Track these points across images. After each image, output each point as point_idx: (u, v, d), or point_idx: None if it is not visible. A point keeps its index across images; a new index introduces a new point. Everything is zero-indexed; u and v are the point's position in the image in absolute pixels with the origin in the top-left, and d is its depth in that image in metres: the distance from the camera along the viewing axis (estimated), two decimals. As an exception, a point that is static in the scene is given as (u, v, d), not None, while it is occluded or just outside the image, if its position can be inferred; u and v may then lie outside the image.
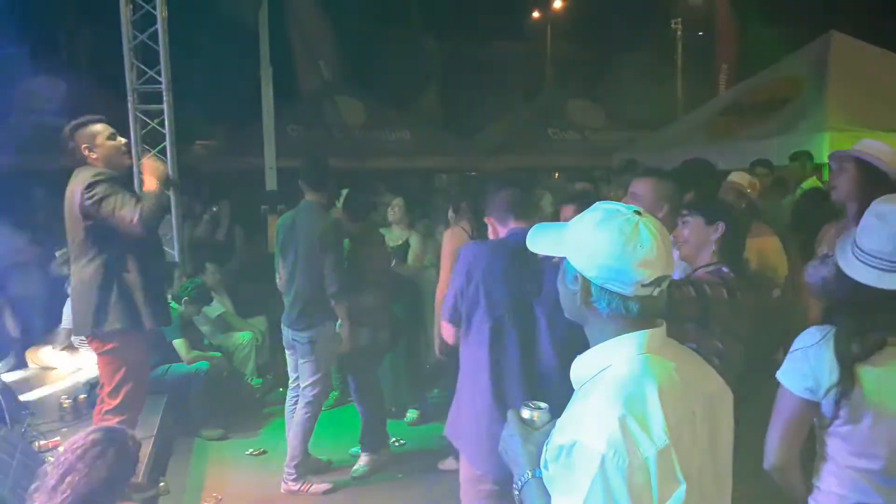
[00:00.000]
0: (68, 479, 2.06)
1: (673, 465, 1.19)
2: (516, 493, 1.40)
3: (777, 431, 1.86)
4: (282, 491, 4.15)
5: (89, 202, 3.21)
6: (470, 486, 2.37)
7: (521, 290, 2.36)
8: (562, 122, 12.40)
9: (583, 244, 1.32)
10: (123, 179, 3.45)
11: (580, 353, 2.18)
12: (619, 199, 3.81)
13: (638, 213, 1.31)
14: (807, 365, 1.77)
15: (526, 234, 2.27)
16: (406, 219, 5.63)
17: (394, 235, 5.51)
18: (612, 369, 1.30)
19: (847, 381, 1.71)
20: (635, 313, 1.30)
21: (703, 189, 3.35)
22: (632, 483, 1.17)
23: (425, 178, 10.42)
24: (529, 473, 1.37)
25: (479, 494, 2.33)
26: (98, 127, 3.40)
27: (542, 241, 1.43)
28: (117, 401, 3.36)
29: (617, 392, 1.24)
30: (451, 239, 4.26)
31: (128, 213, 3.19)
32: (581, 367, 1.37)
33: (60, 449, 3.81)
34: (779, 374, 1.84)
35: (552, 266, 2.38)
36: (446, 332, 2.58)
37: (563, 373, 2.29)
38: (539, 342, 2.35)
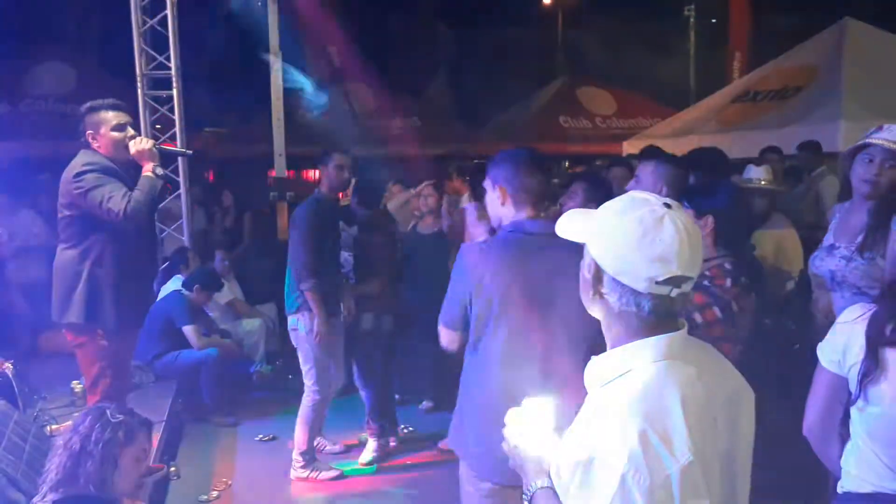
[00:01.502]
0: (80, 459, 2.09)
1: (697, 480, 1.13)
2: (526, 502, 1.36)
3: (812, 400, 1.91)
4: (290, 478, 4.18)
5: (76, 192, 3.09)
6: (470, 485, 2.28)
7: (536, 296, 2.18)
8: (573, 110, 12.32)
9: (602, 230, 1.25)
10: (123, 169, 3.23)
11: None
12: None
13: (668, 205, 1.22)
14: (839, 339, 1.82)
15: (536, 229, 2.24)
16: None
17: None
18: (630, 377, 1.22)
19: (871, 361, 1.73)
20: (647, 312, 1.22)
21: (704, 179, 3.31)
22: (653, 501, 1.10)
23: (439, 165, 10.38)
24: (539, 482, 1.33)
25: (481, 493, 2.25)
26: (108, 115, 3.22)
27: (569, 225, 1.35)
28: (97, 396, 3.23)
29: (637, 404, 1.17)
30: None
31: (114, 206, 3.04)
32: (596, 371, 1.29)
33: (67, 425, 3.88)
34: (818, 346, 1.89)
35: (569, 267, 2.30)
36: (446, 337, 2.34)
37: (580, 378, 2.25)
38: (556, 350, 2.19)
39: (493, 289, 2.17)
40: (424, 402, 5.30)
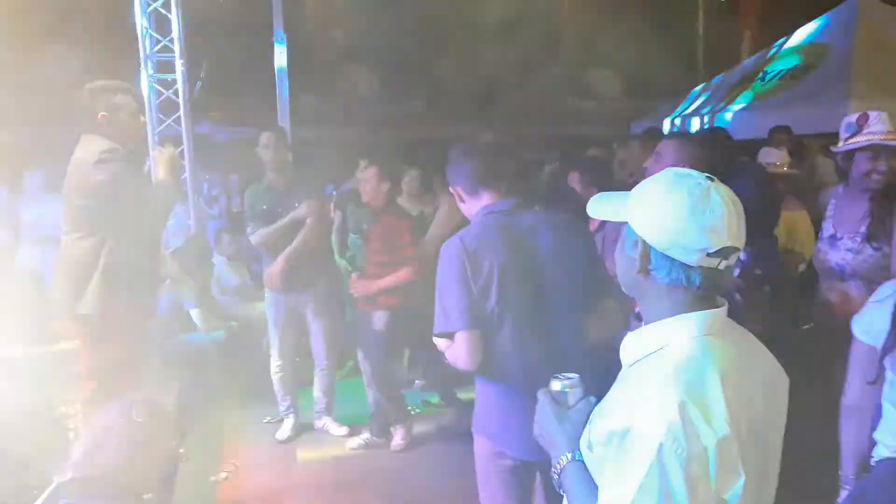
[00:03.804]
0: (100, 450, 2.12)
1: (733, 456, 1.13)
2: (555, 476, 1.37)
3: (852, 374, 2.04)
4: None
5: (100, 181, 3.00)
6: (489, 462, 2.30)
7: (531, 268, 2.21)
8: (580, 91, 12.24)
9: (647, 207, 1.24)
10: (133, 154, 3.26)
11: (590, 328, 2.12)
12: (636, 165, 3.70)
13: (710, 178, 1.23)
14: (868, 315, 1.99)
15: (507, 207, 2.27)
16: (419, 191, 5.37)
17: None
18: (669, 350, 1.22)
19: (893, 340, 1.84)
20: (697, 285, 1.22)
21: (716, 162, 3.26)
22: (689, 473, 1.10)
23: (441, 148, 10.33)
24: (569, 456, 1.34)
25: (498, 468, 2.27)
26: (124, 98, 3.14)
27: (604, 207, 1.35)
28: (93, 384, 3.20)
29: (676, 376, 1.17)
30: (456, 216, 4.18)
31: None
32: (634, 345, 1.29)
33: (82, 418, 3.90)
34: (853, 319, 2.05)
35: (551, 236, 2.30)
36: (474, 341, 2.15)
37: (581, 344, 2.21)
38: (556, 318, 2.23)
39: (491, 266, 2.16)
40: (417, 382, 5.30)
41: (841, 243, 2.80)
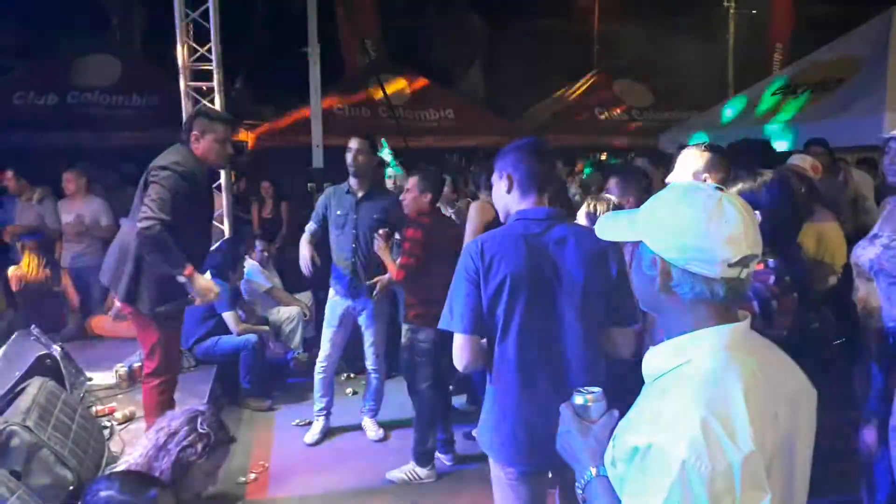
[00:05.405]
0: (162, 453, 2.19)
1: (758, 472, 1.10)
2: (579, 491, 1.35)
3: None
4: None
5: (150, 177, 3.35)
6: (499, 471, 2.29)
7: (548, 280, 2.18)
8: (609, 102, 12.21)
9: (662, 223, 1.22)
10: (202, 173, 3.51)
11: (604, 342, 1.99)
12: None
13: (719, 189, 1.22)
14: None
15: (542, 215, 2.24)
16: (450, 196, 5.50)
17: None
18: (691, 365, 1.20)
19: None
20: (721, 297, 1.20)
21: (747, 172, 3.23)
22: (713, 490, 1.08)
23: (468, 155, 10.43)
24: (593, 471, 1.32)
25: (509, 476, 2.26)
26: (216, 125, 3.51)
27: (613, 227, 1.32)
28: (154, 363, 3.52)
29: (698, 391, 1.14)
30: (482, 212, 4.11)
31: (150, 213, 3.23)
32: (655, 360, 1.27)
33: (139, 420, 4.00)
34: None
35: (580, 250, 2.23)
36: (470, 345, 2.19)
37: (592, 362, 2.20)
38: (565, 334, 2.19)
39: (503, 274, 2.14)
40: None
41: (878, 241, 2.80)
